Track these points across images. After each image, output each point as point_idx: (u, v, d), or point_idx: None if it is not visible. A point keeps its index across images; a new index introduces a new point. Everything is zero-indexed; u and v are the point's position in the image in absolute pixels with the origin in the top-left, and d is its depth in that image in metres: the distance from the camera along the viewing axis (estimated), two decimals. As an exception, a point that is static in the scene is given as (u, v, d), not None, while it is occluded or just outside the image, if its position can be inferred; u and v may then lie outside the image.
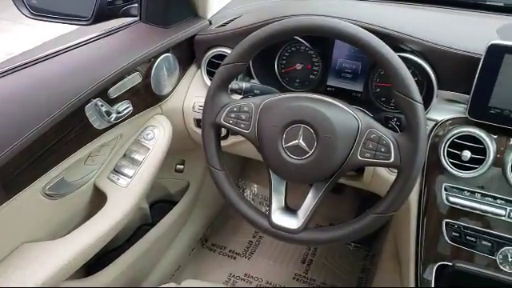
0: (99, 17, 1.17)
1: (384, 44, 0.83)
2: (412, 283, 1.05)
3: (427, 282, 1.02)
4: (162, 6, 1.20)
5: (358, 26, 0.85)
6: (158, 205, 1.60)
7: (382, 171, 1.09)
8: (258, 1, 1.43)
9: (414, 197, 1.04)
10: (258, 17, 1.13)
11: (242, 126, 0.92)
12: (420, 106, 0.81)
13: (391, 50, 0.83)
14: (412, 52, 0.99)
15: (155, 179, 1.21)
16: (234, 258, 1.84)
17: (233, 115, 0.93)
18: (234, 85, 1.04)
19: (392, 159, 0.83)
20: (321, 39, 1.08)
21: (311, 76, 1.20)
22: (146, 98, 1.18)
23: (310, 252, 1.88)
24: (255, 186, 2.11)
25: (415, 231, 1.04)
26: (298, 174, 0.89)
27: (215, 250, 1.87)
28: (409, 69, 1.02)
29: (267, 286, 1.72)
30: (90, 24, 1.17)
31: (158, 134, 1.21)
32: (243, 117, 0.92)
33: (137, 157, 1.18)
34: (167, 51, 1.18)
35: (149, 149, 1.19)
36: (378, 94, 1.13)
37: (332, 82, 1.18)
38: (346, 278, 1.76)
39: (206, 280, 1.21)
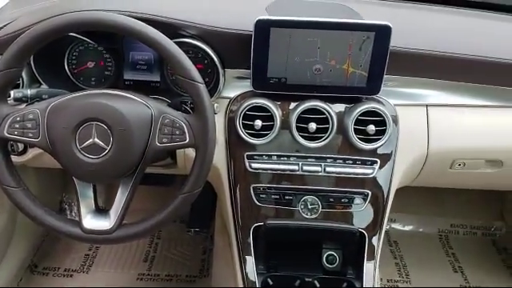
0: None
1: (157, 32, 0.86)
2: (235, 250, 1.12)
3: (247, 244, 1.11)
4: None
5: (133, 16, 0.87)
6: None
7: (192, 153, 1.13)
8: (39, 1, 1.33)
9: (223, 169, 1.12)
10: (31, 19, 1.06)
11: (29, 135, 0.87)
12: (201, 86, 0.87)
13: (165, 37, 0.86)
14: (192, 37, 1.04)
15: None
16: (71, 276, 1.73)
17: (17, 125, 0.87)
18: (16, 93, 0.97)
19: (187, 140, 0.88)
20: (108, 34, 1.07)
21: (106, 72, 1.18)
22: None
23: (151, 249, 1.87)
24: None
25: (230, 200, 1.12)
26: (101, 173, 0.88)
27: (48, 274, 1.73)
28: (196, 53, 1.08)
29: (110, 294, 1.67)
30: None
31: None
32: (29, 125, 0.86)
33: None
34: None
35: None
36: (174, 81, 1.16)
37: (128, 75, 1.17)
38: (189, 263, 1.80)
39: None
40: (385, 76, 1.03)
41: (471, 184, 1.34)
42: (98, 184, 0.94)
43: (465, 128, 1.13)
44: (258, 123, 1.04)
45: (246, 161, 1.08)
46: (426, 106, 1.12)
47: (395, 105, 1.09)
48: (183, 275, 1.75)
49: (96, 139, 0.86)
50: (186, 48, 1.05)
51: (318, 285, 1.11)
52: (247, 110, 1.05)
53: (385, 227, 1.13)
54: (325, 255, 1.16)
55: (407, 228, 2.03)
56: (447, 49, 1.07)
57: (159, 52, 0.86)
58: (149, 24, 0.88)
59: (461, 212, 2.04)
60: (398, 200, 1.46)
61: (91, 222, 0.91)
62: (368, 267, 1.10)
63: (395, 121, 1.07)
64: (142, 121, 0.87)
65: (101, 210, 0.93)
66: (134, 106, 0.88)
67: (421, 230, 2.04)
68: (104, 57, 1.16)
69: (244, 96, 1.09)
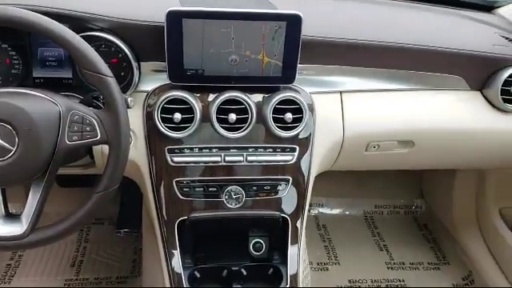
0: None
1: (59, 25, 0.82)
2: (161, 245, 1.11)
3: (173, 239, 1.10)
4: None
5: (36, 10, 0.83)
6: None
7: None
8: None
9: (144, 165, 1.09)
10: None
11: None
12: (110, 79, 0.84)
13: (68, 30, 0.83)
14: (102, 30, 1.01)
15: None
16: (-9, 289, 1.63)
17: None
18: None
19: (99, 136, 0.85)
20: (11, 30, 1.01)
21: (13, 71, 1.11)
22: None
23: (78, 253, 1.81)
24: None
25: (152, 196, 1.10)
26: (7, 176, 0.83)
27: (-36, 289, 1.62)
28: (109, 47, 1.05)
29: (35, 304, 1.59)
30: None
31: None
32: None
33: None
34: None
35: None
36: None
37: (38, 73, 1.11)
38: (120, 265, 1.76)
39: None
40: (299, 65, 1.05)
41: (387, 165, 1.42)
42: (7, 187, 0.89)
43: (377, 112, 1.19)
44: (178, 116, 1.03)
45: (168, 155, 1.07)
46: (340, 92, 1.16)
47: (311, 93, 1.12)
48: (113, 277, 1.71)
49: (0, 140, 0.81)
50: (99, 42, 1.01)
51: (244, 273, 1.12)
52: (165, 103, 1.03)
53: (307, 211, 1.16)
54: (251, 243, 1.18)
55: (335, 212, 2.12)
56: (358, 36, 1.12)
57: (63, 46, 0.83)
58: (55, 18, 0.84)
59: (384, 193, 2.15)
60: (325, 185, 1.50)
61: (1, 228, 0.86)
62: (292, 251, 1.13)
63: (311, 108, 1.11)
64: (49, 119, 0.83)
65: (12, 215, 0.88)
66: (39, 104, 0.84)
67: (347, 212, 2.13)
68: (10, 54, 1.09)
69: (162, 89, 1.07)
